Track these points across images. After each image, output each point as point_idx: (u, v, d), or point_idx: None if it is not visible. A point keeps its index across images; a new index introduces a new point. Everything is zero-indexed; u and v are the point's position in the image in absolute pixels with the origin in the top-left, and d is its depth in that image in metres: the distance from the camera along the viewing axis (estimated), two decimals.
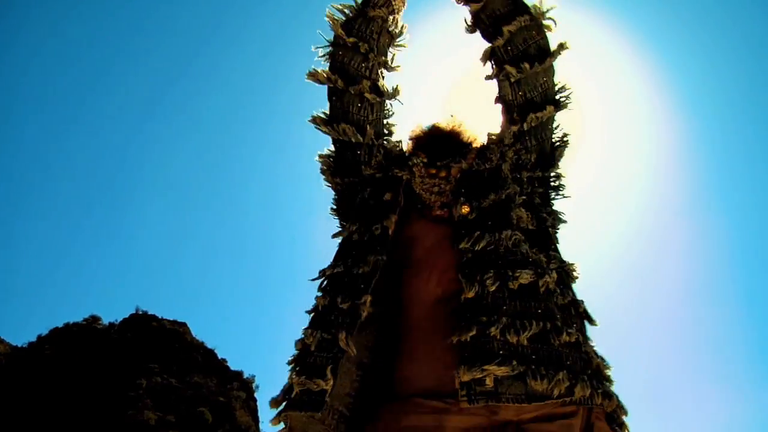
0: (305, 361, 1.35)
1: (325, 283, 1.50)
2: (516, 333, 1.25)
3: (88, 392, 26.13)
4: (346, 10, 1.67)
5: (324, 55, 1.67)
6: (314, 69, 1.65)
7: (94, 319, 32.16)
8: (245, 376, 32.60)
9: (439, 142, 1.63)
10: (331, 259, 1.55)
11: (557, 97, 1.66)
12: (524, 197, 1.52)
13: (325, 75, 1.65)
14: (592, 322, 1.45)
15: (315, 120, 1.68)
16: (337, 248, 1.57)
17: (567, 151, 1.67)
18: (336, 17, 1.66)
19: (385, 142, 1.71)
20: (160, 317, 32.76)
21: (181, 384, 28.66)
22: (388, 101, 1.72)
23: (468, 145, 1.63)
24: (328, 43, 1.68)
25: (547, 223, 1.55)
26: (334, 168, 1.70)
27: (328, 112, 1.69)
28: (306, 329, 1.41)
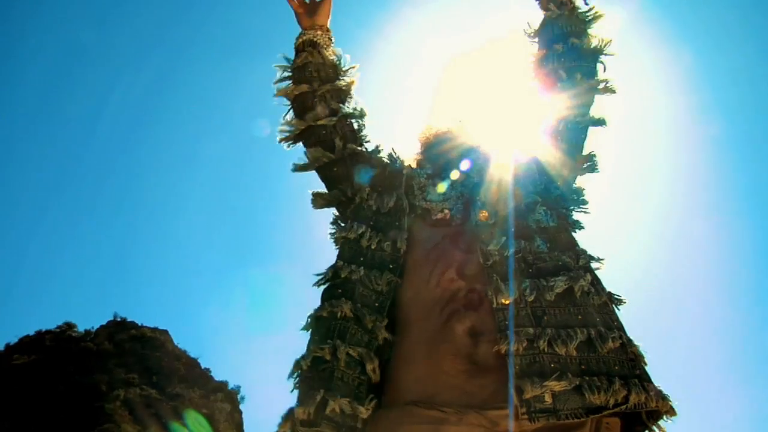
0: (333, 375, 1.31)
1: (341, 286, 1.46)
2: (563, 344, 1.26)
3: (61, 405, 25.28)
4: (285, 74, 1.82)
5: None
6: (282, 128, 1.80)
7: (68, 327, 31.58)
8: (230, 387, 32.26)
9: (445, 149, 1.67)
10: (337, 258, 1.53)
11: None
12: (543, 199, 1.54)
13: (293, 125, 1.78)
14: None
15: (295, 167, 1.79)
16: (341, 247, 1.55)
17: (593, 166, 1.68)
18: (282, 88, 1.81)
19: (359, 148, 1.75)
20: (139, 324, 32.33)
21: (162, 395, 28.02)
22: (354, 120, 1.79)
23: (474, 150, 1.66)
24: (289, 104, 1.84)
25: (569, 219, 1.56)
26: (325, 194, 1.76)
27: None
28: (332, 339, 1.35)
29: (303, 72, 1.79)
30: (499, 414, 1.20)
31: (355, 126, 1.78)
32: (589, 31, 1.72)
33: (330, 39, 1.86)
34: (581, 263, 1.42)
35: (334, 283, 1.47)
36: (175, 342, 32.24)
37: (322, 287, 1.50)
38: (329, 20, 1.89)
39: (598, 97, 1.68)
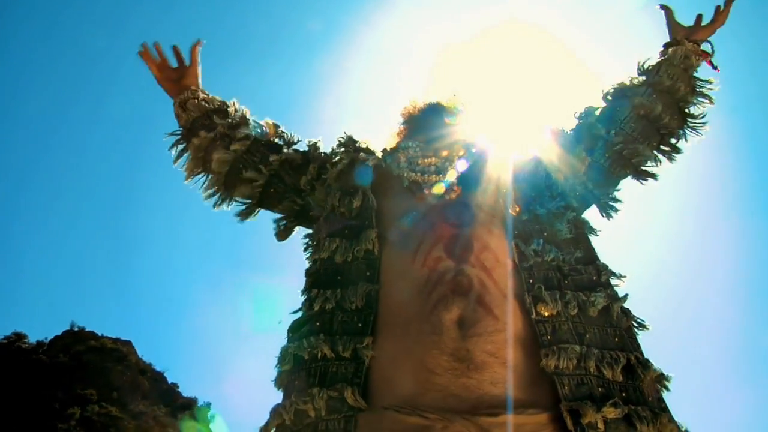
0: (317, 428, 1.23)
1: (318, 318, 1.37)
2: (609, 367, 1.23)
3: (9, 424, 23.75)
4: (180, 146, 1.80)
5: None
6: (205, 193, 1.77)
7: (17, 337, 30.23)
8: (199, 404, 31.53)
9: (438, 119, 1.67)
10: (312, 284, 1.45)
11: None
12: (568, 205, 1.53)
13: (214, 182, 1.78)
14: None
15: (239, 217, 1.77)
16: (318, 269, 1.47)
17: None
18: (186, 164, 1.78)
19: (289, 153, 1.75)
20: (99, 334, 31.07)
21: (123, 413, 26.53)
22: (273, 137, 1.78)
23: (471, 147, 1.63)
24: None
25: (585, 227, 1.52)
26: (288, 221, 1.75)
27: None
28: (311, 388, 1.26)
29: (194, 128, 1.75)
30: (491, 421, 1.12)
31: (278, 141, 1.76)
32: (694, 98, 1.71)
33: (205, 93, 1.82)
34: (603, 279, 1.38)
35: (311, 315, 1.38)
36: (139, 354, 31.22)
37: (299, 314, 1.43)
38: (199, 82, 1.84)
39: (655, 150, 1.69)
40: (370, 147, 1.71)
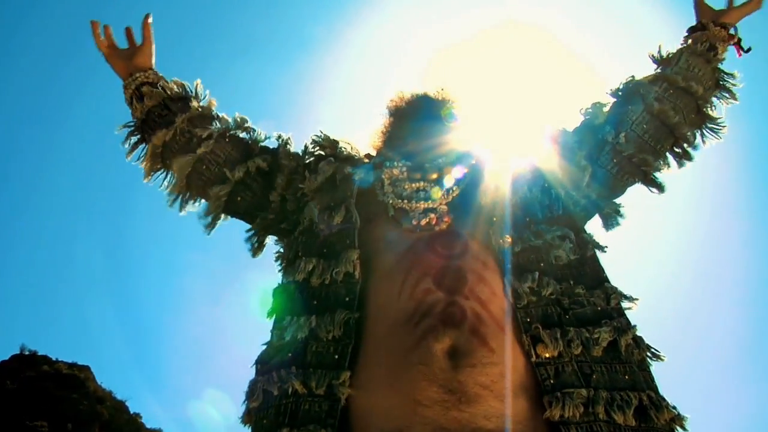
0: None
1: (290, 349, 1.30)
2: (620, 410, 1.18)
3: None
4: (133, 139, 1.71)
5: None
6: (168, 196, 1.68)
7: None
8: None
9: (426, 119, 1.59)
10: (285, 310, 1.37)
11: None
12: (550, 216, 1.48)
13: (176, 186, 1.66)
14: None
15: (206, 228, 1.65)
16: (292, 292, 1.39)
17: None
18: (145, 160, 1.68)
19: (261, 150, 1.65)
20: (54, 359, 29.48)
21: None
22: (239, 133, 1.66)
23: (467, 155, 1.55)
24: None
25: (590, 245, 1.45)
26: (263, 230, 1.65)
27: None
28: (279, 428, 1.20)
29: (150, 120, 1.63)
30: None
31: (243, 135, 1.65)
32: (717, 93, 1.62)
33: (160, 75, 1.70)
34: (612, 304, 1.32)
35: (282, 345, 1.31)
36: (98, 381, 29.56)
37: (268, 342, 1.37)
38: (153, 61, 1.72)
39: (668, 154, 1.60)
40: (351, 153, 1.58)
